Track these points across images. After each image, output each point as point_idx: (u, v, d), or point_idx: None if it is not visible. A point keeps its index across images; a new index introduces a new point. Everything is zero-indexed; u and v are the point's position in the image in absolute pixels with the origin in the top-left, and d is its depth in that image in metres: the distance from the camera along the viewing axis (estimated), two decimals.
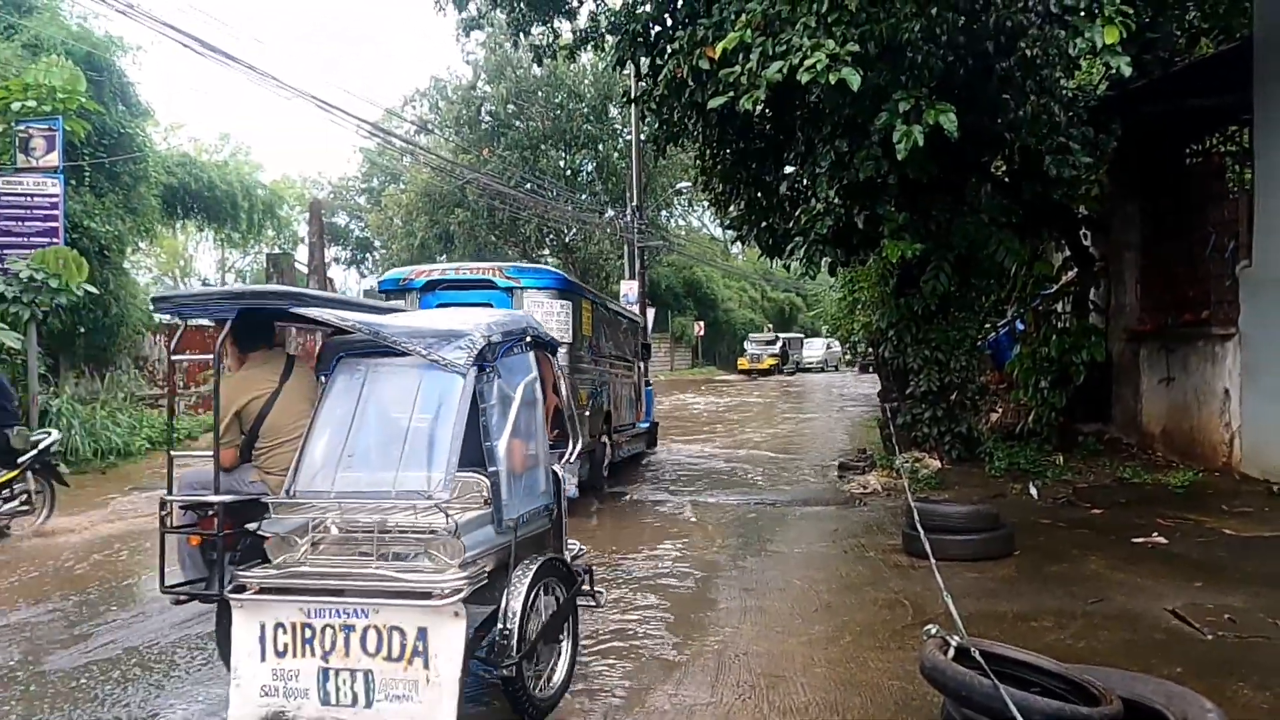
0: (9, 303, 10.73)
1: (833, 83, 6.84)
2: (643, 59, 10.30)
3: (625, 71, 13.12)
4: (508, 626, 3.74)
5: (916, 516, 6.35)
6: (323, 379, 4.43)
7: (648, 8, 9.95)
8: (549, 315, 8.10)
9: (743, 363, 45.49)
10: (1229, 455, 9.25)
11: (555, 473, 4.66)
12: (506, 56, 38.38)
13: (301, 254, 27.27)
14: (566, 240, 41.05)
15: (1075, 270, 12.51)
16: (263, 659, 3.68)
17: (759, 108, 8.41)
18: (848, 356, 42.02)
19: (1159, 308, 10.92)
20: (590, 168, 42.05)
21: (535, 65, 28.84)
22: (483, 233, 39.36)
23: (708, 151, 11.41)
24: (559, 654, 4.23)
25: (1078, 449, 10.93)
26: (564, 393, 5.01)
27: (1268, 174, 8.91)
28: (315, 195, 43.01)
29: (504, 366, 4.22)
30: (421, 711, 3.49)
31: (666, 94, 9.49)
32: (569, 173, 41.21)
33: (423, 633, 3.53)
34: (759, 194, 11.40)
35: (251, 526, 4.06)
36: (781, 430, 18.00)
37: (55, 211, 12.04)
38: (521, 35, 11.26)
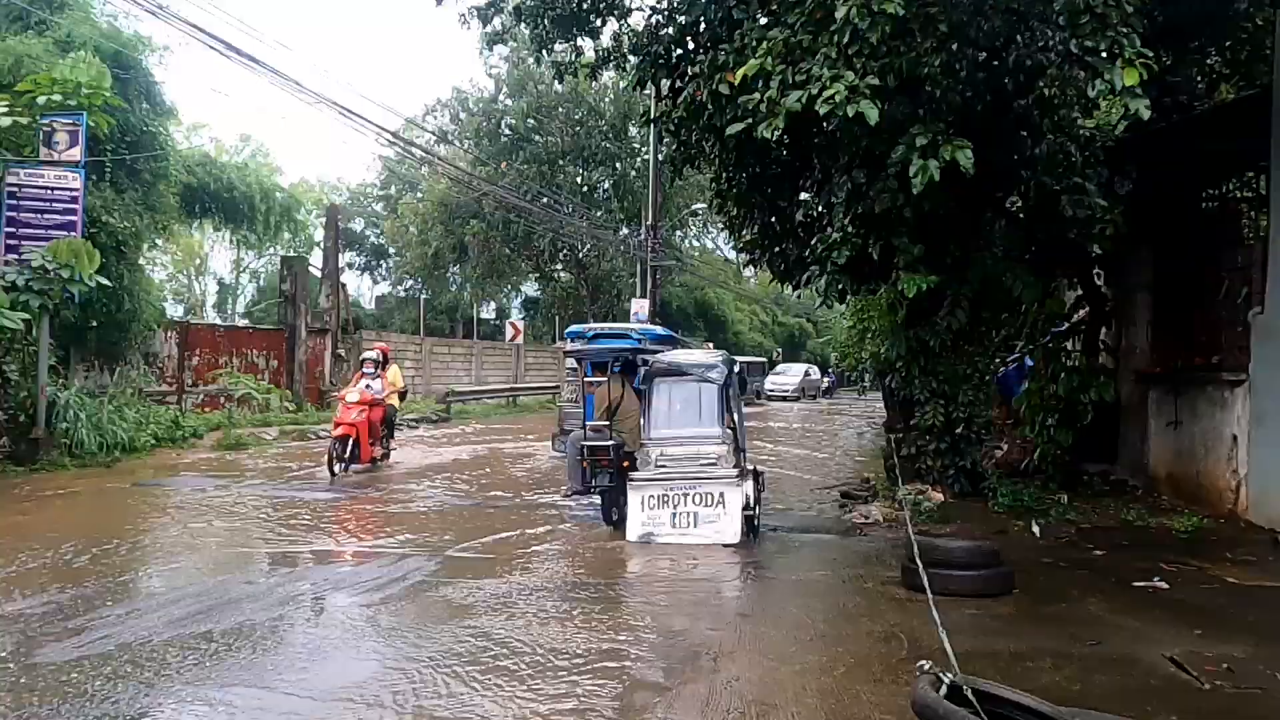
0: (20, 291, 10.81)
1: (851, 115, 6.89)
2: (663, 80, 10.37)
3: (645, 92, 13.25)
4: (749, 494, 8.62)
5: (916, 550, 6.32)
6: (642, 387, 9.35)
7: (670, 30, 10.03)
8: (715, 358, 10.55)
9: None
10: (1235, 502, 9.18)
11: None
12: (529, 71, 38.64)
13: (316, 258, 27.44)
14: (580, 256, 41.17)
15: (1086, 309, 12.48)
16: (642, 510, 8.54)
17: (776, 135, 8.47)
18: (864, 383, 40.47)
19: (1169, 350, 10.88)
20: (607, 185, 42.18)
21: (557, 81, 29.11)
22: (497, 245, 39.53)
23: (724, 175, 11.46)
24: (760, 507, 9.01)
25: (1082, 489, 10.87)
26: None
27: None
28: (333, 200, 43.23)
29: (730, 380, 9.20)
30: (722, 528, 8.36)
31: (685, 116, 9.56)
32: (585, 189, 41.36)
33: (721, 494, 8.46)
34: (773, 219, 11.44)
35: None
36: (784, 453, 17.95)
37: (75, 205, 12.16)
38: (544, 52, 11.36)
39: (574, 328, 13.53)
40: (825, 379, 53.52)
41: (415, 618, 6.00)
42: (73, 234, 11.97)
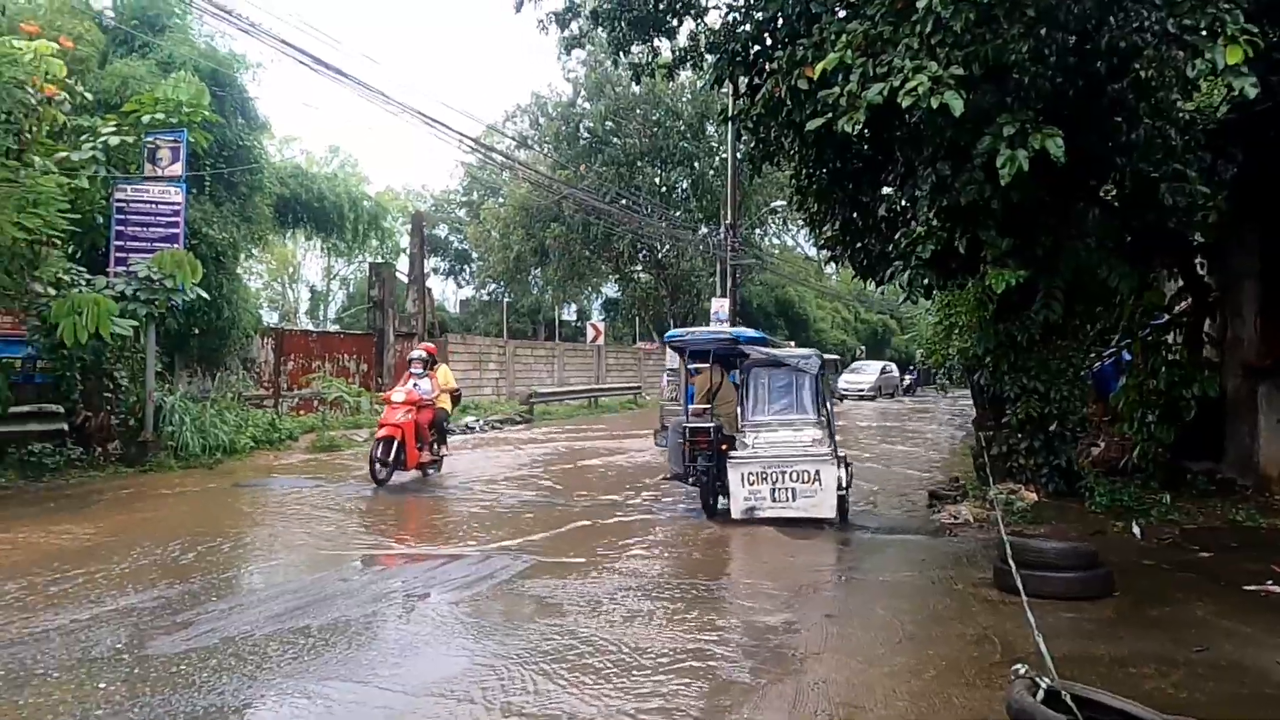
0: (129, 300, 11.37)
1: (934, 106, 6.73)
2: (741, 78, 10.31)
3: (723, 90, 13.17)
4: (842, 475, 9.35)
5: (1009, 550, 6.14)
6: (739, 379, 10.32)
7: (747, 27, 9.96)
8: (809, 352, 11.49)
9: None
10: None
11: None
12: (606, 74, 38.88)
13: (403, 264, 28.14)
14: (659, 256, 41.22)
15: (1188, 300, 11.94)
16: (743, 486, 9.27)
17: (857, 129, 8.34)
18: (942, 380, 39.09)
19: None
20: (685, 185, 42.12)
21: (634, 83, 29.19)
22: (576, 247, 39.86)
23: (804, 171, 11.33)
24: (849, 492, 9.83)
25: (1186, 488, 10.41)
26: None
27: None
28: (417, 207, 44.23)
29: (823, 371, 10.09)
30: (818, 502, 9.13)
31: (764, 113, 9.47)
32: (664, 189, 41.38)
33: (818, 471, 9.17)
34: (855, 214, 11.26)
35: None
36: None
37: (177, 218, 12.73)
38: (621, 54, 11.41)
39: (674, 331, 13.86)
40: (907, 376, 52.34)
41: (503, 615, 6.11)
42: (175, 245, 12.53)
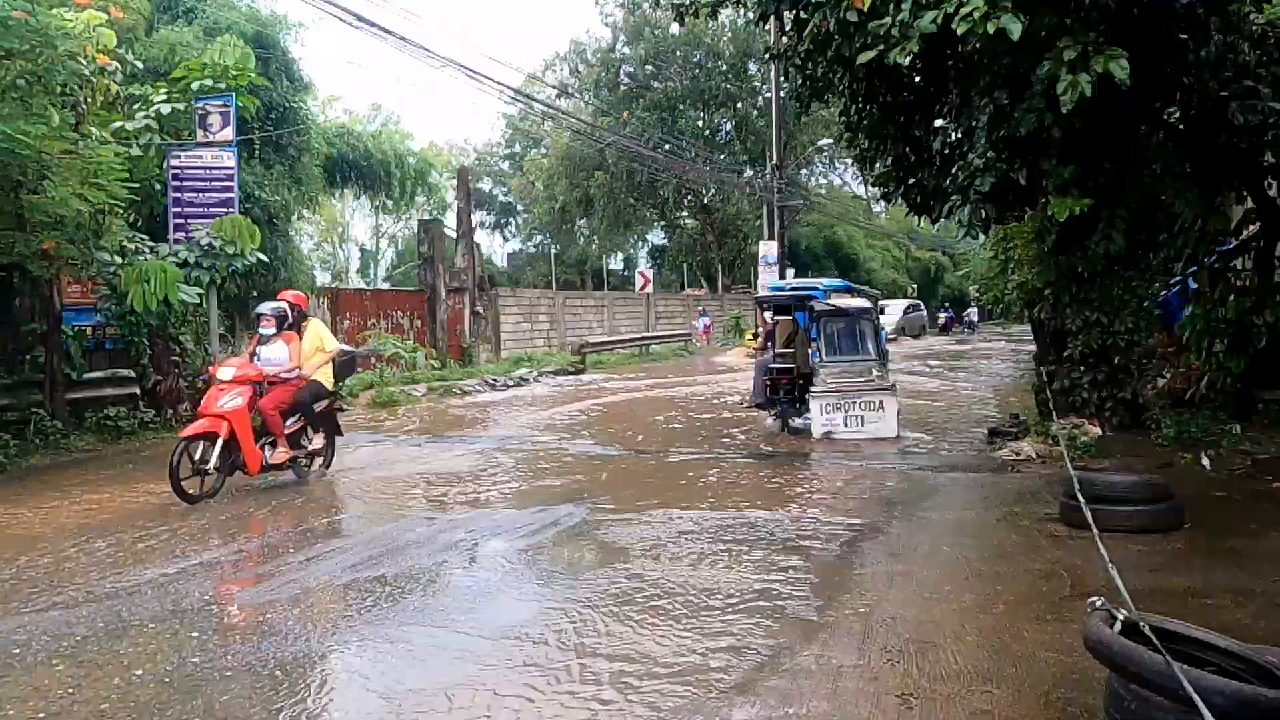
0: (192, 267, 11.62)
1: (991, 32, 6.51)
2: (786, 13, 10.03)
3: (766, 27, 12.86)
4: (900, 403, 11.83)
5: (1076, 484, 6.07)
6: (811, 323, 12.01)
7: None
8: (863, 300, 13.47)
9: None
10: None
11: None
12: (645, 17, 38.29)
13: (450, 219, 28.30)
14: (705, 201, 40.88)
15: (1257, 224, 11.50)
16: (822, 415, 11.39)
17: (910, 60, 8.11)
18: (1002, 319, 37.62)
19: None
20: (729, 127, 41.57)
21: (674, 24, 28.66)
22: (621, 195, 39.70)
23: (853, 107, 11.04)
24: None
25: (1258, 418, 10.15)
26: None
27: None
28: (461, 162, 44.31)
29: (876, 315, 12.65)
30: (882, 427, 11.25)
31: (811, 49, 9.25)
32: (707, 133, 40.87)
33: (881, 401, 11.37)
34: (908, 150, 10.99)
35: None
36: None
37: (230, 183, 12.92)
38: None
39: (774, 282, 17.47)
40: (942, 315, 51.35)
41: (570, 561, 6.24)
42: (231, 210, 12.73)
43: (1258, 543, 6.01)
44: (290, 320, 9.01)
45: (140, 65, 12.89)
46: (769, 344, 13.45)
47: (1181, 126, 9.99)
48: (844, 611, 4.95)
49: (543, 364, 23.81)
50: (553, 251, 46.80)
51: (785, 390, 12.14)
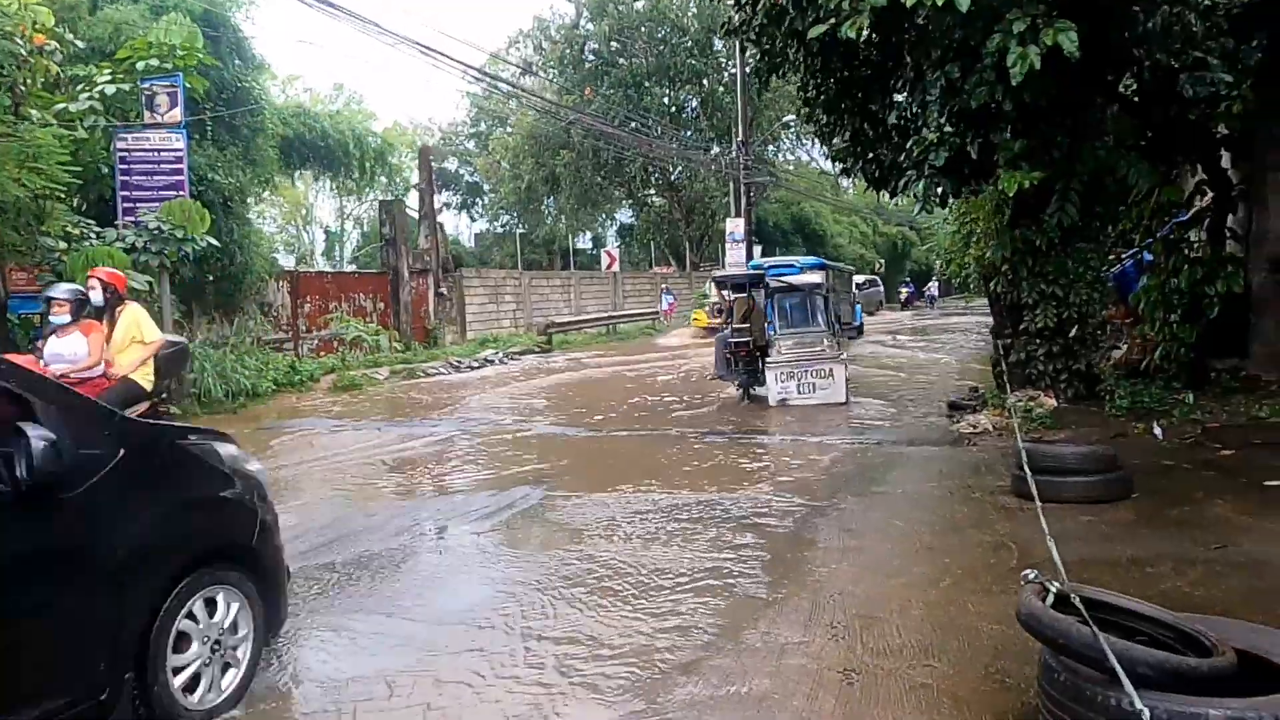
0: (140, 252, 11.38)
1: (940, 4, 6.49)
2: None
3: (728, 1, 12.77)
4: (848, 371, 12.75)
5: (1024, 457, 6.10)
6: (766, 299, 13.28)
7: None
8: (818, 278, 14.47)
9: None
10: None
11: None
12: None
13: (413, 200, 27.95)
14: (672, 179, 40.72)
15: (1209, 195, 11.63)
16: (777, 383, 12.25)
17: (863, 34, 8.07)
18: (965, 293, 37.96)
19: None
20: (695, 104, 41.36)
21: (637, 0, 28.46)
22: (588, 174, 39.42)
23: (810, 82, 11.03)
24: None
25: (1209, 387, 10.30)
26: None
27: None
28: (425, 142, 43.75)
29: (829, 288, 14.18)
30: (832, 393, 12.12)
31: (766, 23, 9.21)
32: (673, 109, 40.68)
33: (831, 369, 12.23)
34: (865, 124, 10.99)
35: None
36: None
37: (180, 165, 12.64)
38: None
39: (754, 261, 19.00)
40: (904, 289, 51.45)
41: (523, 544, 6.19)
42: (181, 193, 12.46)
43: (1202, 511, 6.08)
44: (96, 306, 7.13)
45: (82, 45, 12.57)
46: (728, 320, 14.23)
47: (1135, 99, 10.07)
48: (793, 588, 4.96)
49: (508, 345, 23.68)
50: (519, 231, 46.42)
51: (744, 362, 12.79)
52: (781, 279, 13.57)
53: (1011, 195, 8.78)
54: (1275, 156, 10.64)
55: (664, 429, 10.83)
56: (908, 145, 9.63)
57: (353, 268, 42.54)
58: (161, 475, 3.59)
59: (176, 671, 3.45)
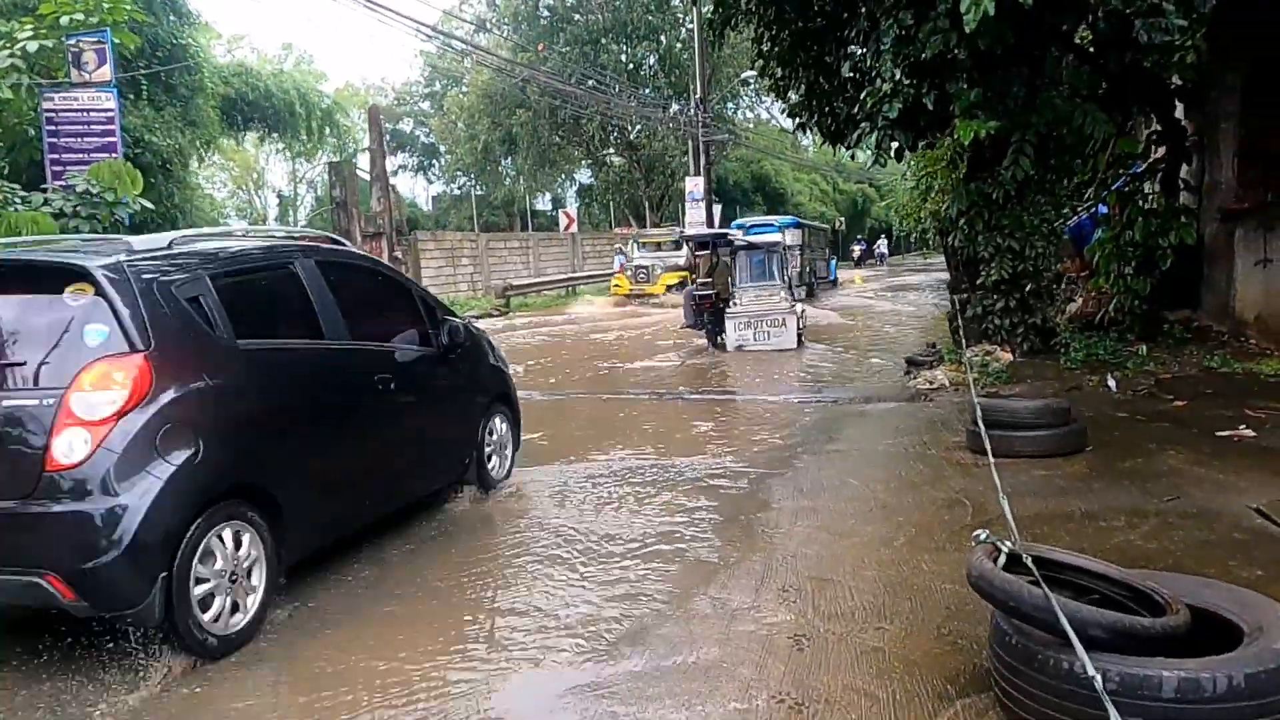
0: (68, 217, 10.87)
1: None
2: None
3: None
4: (800, 320, 14.40)
5: (979, 412, 6.02)
6: (729, 257, 14.89)
7: None
8: (795, 235, 17.28)
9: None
10: None
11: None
12: None
13: (365, 162, 27.24)
14: (630, 138, 40.18)
15: (1165, 147, 11.61)
16: (735, 331, 13.81)
17: None
18: (922, 249, 38.14)
19: (1258, 184, 10.08)
20: (652, 61, 40.67)
21: None
22: (545, 133, 38.74)
23: (765, 34, 10.78)
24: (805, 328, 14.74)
25: (1163, 338, 10.34)
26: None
27: None
28: (378, 102, 42.69)
29: (784, 247, 15.88)
30: (784, 340, 13.68)
31: None
32: (631, 67, 39.96)
33: (783, 319, 13.83)
34: (820, 77, 10.78)
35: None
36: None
37: (111, 126, 12.11)
38: None
39: (738, 221, 22.01)
40: (857, 247, 50.74)
41: (469, 515, 6.00)
42: (114, 155, 11.94)
43: (1154, 462, 6.06)
44: None
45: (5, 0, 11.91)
46: (694, 275, 15.99)
47: (1090, 50, 9.94)
48: (745, 552, 4.84)
49: (466, 309, 23.28)
50: (477, 193, 45.68)
51: (709, 313, 14.26)
52: (745, 239, 15.24)
53: (967, 145, 8.65)
54: (1227, 107, 10.63)
55: (621, 392, 10.68)
56: (862, 97, 9.43)
57: (309, 231, 41.56)
58: (480, 349, 6.46)
59: (488, 454, 6.28)
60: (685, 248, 22.64)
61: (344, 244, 5.79)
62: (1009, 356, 9.84)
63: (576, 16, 38.53)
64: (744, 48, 31.69)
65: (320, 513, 4.52)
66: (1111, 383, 8.78)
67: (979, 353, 9.82)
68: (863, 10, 8.97)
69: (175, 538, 3.60)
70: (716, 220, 29.64)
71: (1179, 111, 11.41)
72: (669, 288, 25.13)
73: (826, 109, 10.96)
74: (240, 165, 48.24)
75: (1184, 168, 11.37)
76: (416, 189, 54.08)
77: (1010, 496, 3.85)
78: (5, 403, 3.59)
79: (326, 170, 34.78)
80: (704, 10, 13.90)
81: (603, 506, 5.83)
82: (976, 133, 8.31)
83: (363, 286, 5.44)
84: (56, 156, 11.91)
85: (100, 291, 3.70)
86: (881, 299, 24.61)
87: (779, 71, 11.21)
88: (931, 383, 9.70)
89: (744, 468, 6.72)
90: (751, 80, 37.11)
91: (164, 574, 3.54)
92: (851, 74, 10.10)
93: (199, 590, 3.70)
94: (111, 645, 3.76)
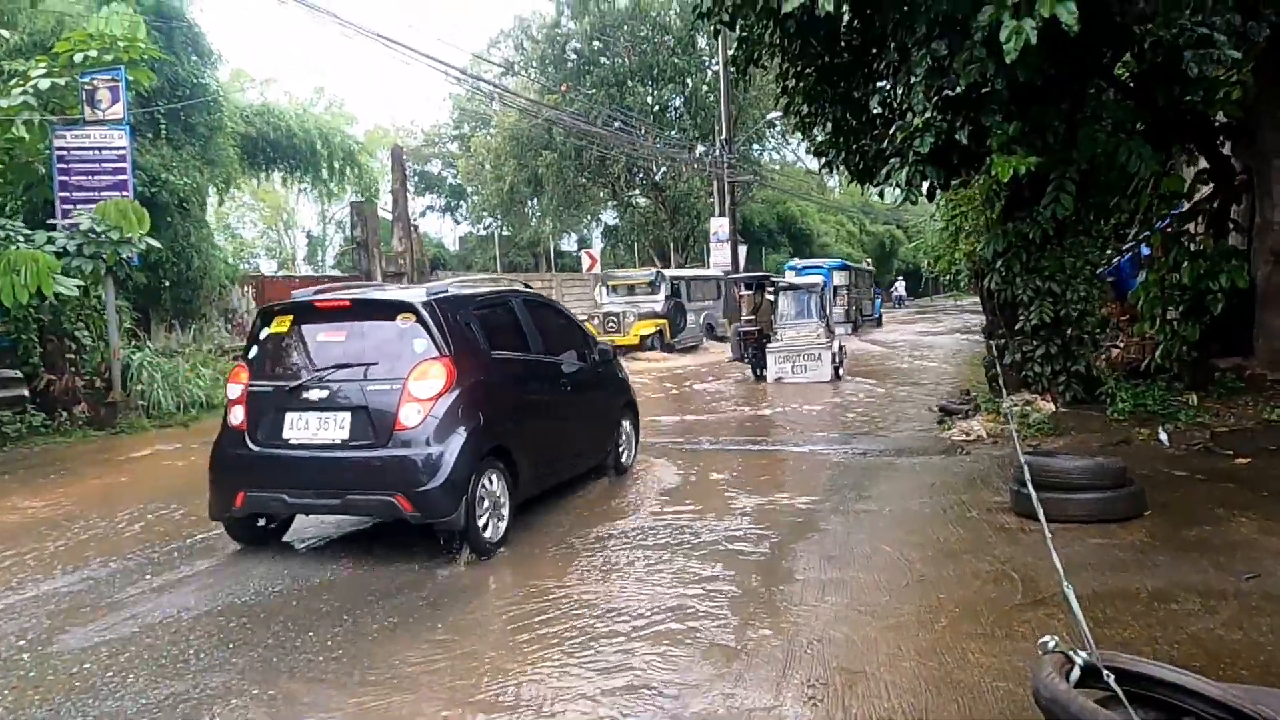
0: (72, 256, 10.62)
1: None
2: None
3: None
4: (836, 356, 15.51)
5: (1027, 471, 5.46)
6: (772, 296, 16.75)
7: None
8: (842, 276, 20.59)
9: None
10: None
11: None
12: None
13: (388, 202, 27.14)
14: (656, 179, 40.04)
15: (1211, 185, 11.03)
16: (775, 364, 15.43)
17: (844, 9, 7.44)
18: (952, 290, 37.53)
19: None
20: (678, 103, 40.67)
21: None
22: (571, 174, 38.71)
23: (790, 69, 10.39)
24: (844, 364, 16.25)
25: (1214, 387, 9.68)
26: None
27: None
28: (405, 144, 42.93)
29: (826, 287, 17.61)
30: (820, 372, 15.11)
31: (740, 3, 8.56)
32: (656, 109, 39.93)
33: (819, 354, 15.28)
34: (847, 114, 10.36)
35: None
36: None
37: (123, 164, 11.92)
38: None
39: (789, 263, 24.59)
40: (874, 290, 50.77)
41: (471, 576, 5.51)
42: (125, 194, 11.73)
43: (1224, 531, 5.45)
44: None
45: (7, 36, 11.84)
46: (738, 314, 18.20)
47: (1133, 84, 9.46)
48: (765, 633, 4.29)
49: None
50: (503, 233, 45.65)
51: (753, 347, 15.88)
52: (787, 280, 17.18)
53: (1005, 182, 8.16)
54: (1279, 143, 10.06)
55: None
56: (891, 132, 8.98)
57: (336, 272, 41.74)
58: (617, 366, 8.57)
59: (620, 450, 8.20)
60: (661, 291, 23.32)
61: (532, 288, 7.72)
62: (1050, 406, 9.24)
63: (603, 59, 38.66)
64: (770, 89, 31.56)
65: (535, 470, 6.41)
66: (1164, 436, 8.17)
67: (1018, 402, 9.24)
68: (892, 44, 8.54)
69: (469, 475, 5.51)
70: (742, 261, 29.29)
71: (1228, 148, 10.85)
72: (643, 338, 22.04)
73: (854, 146, 10.53)
74: (270, 205, 48.63)
75: (1234, 207, 10.79)
76: (444, 229, 54.33)
77: (1065, 570, 3.31)
78: (370, 387, 5.59)
79: (350, 210, 34.89)
80: (729, 49, 13.54)
81: (610, 574, 5.31)
82: (1015, 169, 7.80)
83: (547, 317, 7.48)
84: (67, 194, 11.71)
85: (419, 318, 5.72)
86: (923, 336, 24.63)
87: (804, 108, 10.81)
88: (968, 434, 9.11)
89: (762, 530, 6.16)
90: (777, 122, 36.94)
91: (465, 496, 5.46)
92: (880, 109, 9.69)
93: (480, 510, 5.61)
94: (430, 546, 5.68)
